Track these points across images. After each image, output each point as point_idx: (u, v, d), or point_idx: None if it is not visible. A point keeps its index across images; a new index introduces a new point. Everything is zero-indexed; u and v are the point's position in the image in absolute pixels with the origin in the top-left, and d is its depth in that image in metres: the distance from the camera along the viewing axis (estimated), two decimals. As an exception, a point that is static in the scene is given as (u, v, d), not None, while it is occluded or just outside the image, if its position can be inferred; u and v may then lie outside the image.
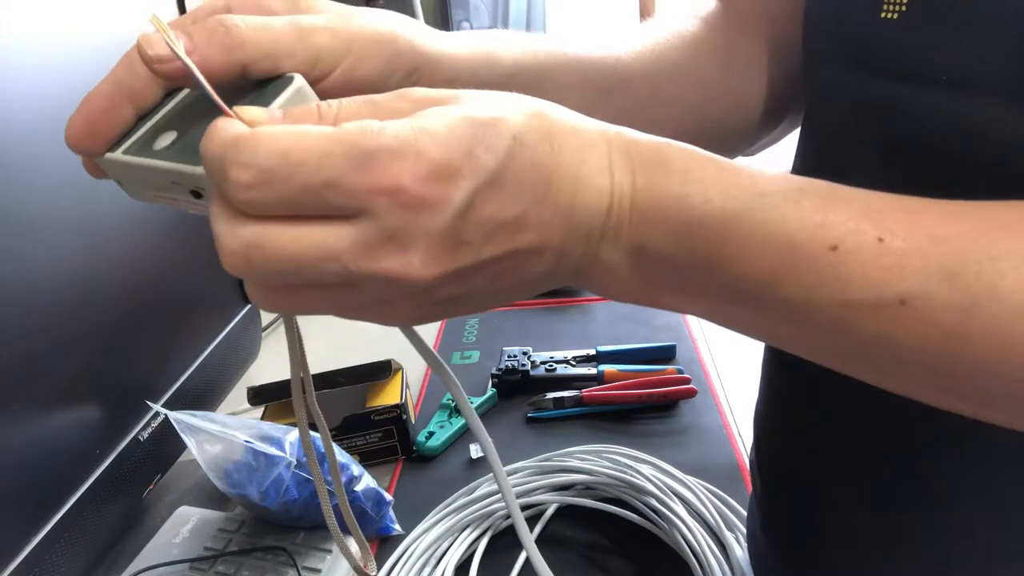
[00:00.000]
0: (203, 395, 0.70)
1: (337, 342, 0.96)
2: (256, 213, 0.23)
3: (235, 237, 0.23)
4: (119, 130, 0.28)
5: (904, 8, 0.30)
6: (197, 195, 0.27)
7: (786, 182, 0.27)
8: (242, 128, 0.24)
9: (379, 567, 0.57)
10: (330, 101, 0.26)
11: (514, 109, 0.26)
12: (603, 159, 0.27)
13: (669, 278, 0.28)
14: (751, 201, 0.26)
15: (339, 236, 0.23)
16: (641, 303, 0.30)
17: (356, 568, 0.33)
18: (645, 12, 2.33)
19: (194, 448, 0.55)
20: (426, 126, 0.24)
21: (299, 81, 0.27)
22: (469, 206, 0.24)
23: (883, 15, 0.31)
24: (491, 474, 0.64)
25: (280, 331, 0.99)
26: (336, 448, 0.58)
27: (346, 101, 0.26)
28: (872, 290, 0.25)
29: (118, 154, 0.28)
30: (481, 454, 0.68)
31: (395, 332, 0.31)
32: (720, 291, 0.28)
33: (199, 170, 0.25)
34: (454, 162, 0.24)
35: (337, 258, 0.23)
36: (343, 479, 0.57)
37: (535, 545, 0.29)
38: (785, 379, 0.44)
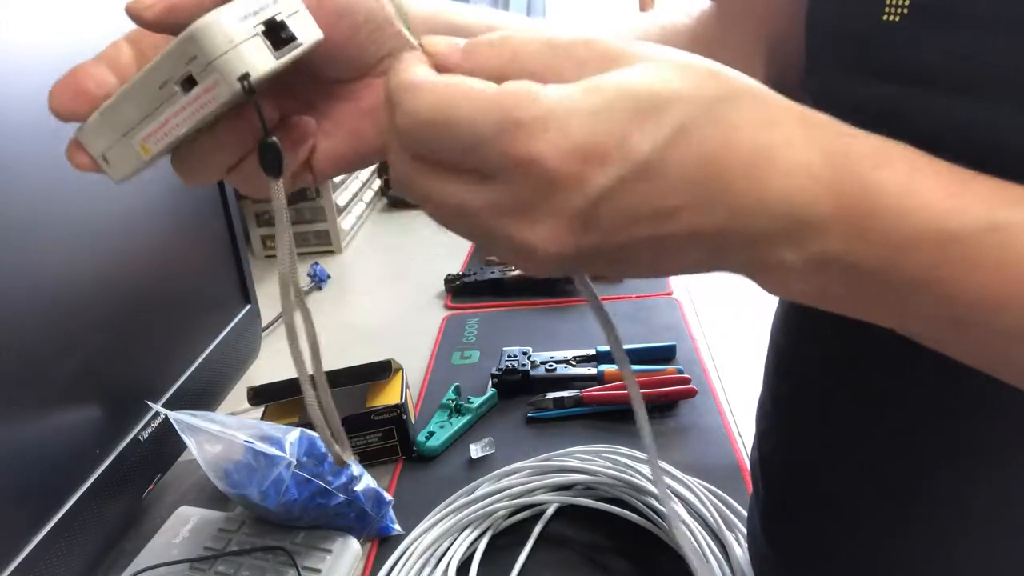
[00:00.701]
0: (203, 395, 0.70)
1: (337, 342, 0.96)
2: (411, 151, 0.25)
3: (398, 164, 0.26)
4: (103, 93, 0.27)
5: (906, 11, 0.30)
6: (190, 84, 0.26)
7: (1009, 195, 0.24)
8: (416, 73, 0.24)
9: (379, 567, 0.57)
10: (512, 35, 0.25)
11: (694, 87, 0.23)
12: (798, 158, 0.24)
13: (858, 291, 0.25)
14: (978, 221, 0.23)
15: (476, 195, 0.24)
16: (806, 303, 0.27)
17: (336, 457, 0.34)
18: (644, 8, 2.33)
19: (194, 448, 0.55)
20: (583, 101, 0.23)
21: None
22: (610, 192, 0.23)
23: (885, 18, 0.31)
24: (492, 474, 0.64)
25: (280, 331, 0.99)
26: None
27: (527, 39, 0.25)
28: None
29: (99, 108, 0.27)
30: (481, 454, 0.68)
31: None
32: (917, 311, 0.25)
33: (188, 35, 0.25)
34: (603, 145, 0.23)
35: (473, 215, 0.25)
36: (343, 479, 0.57)
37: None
38: (790, 383, 0.44)
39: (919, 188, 0.24)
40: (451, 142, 0.24)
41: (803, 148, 0.24)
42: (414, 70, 0.25)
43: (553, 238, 0.24)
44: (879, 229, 0.23)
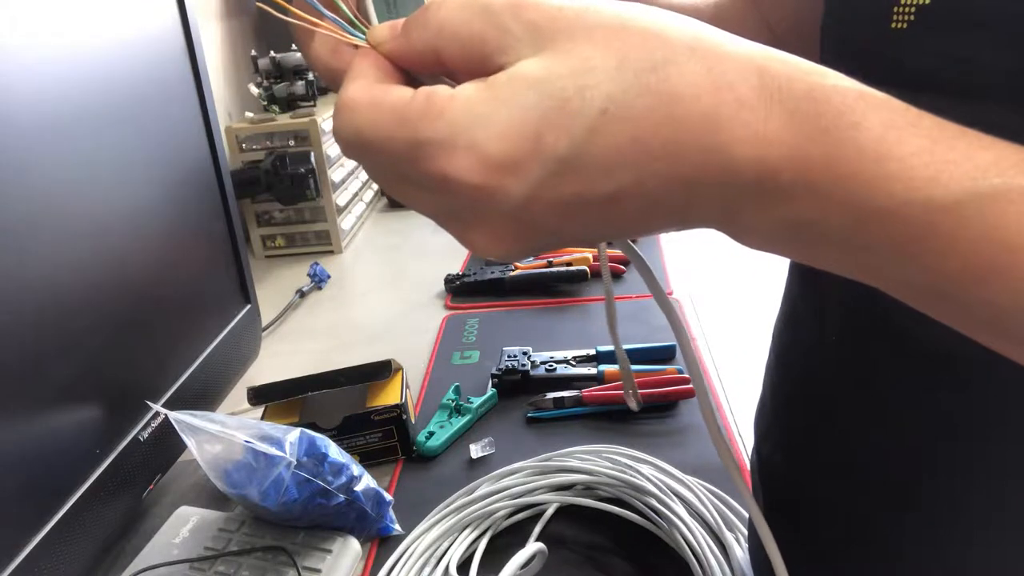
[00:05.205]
0: (203, 395, 0.70)
1: (337, 342, 0.96)
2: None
3: (365, 169, 0.26)
4: None
5: (913, 18, 0.30)
6: None
7: (1002, 160, 0.22)
8: (347, 90, 0.25)
9: (379, 567, 0.57)
10: (439, 5, 0.24)
11: (617, 62, 0.22)
12: (753, 123, 0.22)
13: (831, 254, 0.24)
14: (964, 190, 0.21)
15: (422, 201, 0.25)
16: (784, 257, 0.26)
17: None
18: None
19: (194, 448, 0.55)
20: (488, 106, 0.22)
21: None
22: (534, 196, 0.23)
23: (893, 25, 0.31)
24: (492, 474, 0.64)
25: (280, 331, 0.99)
26: (336, 448, 0.58)
27: (457, 7, 0.24)
28: None
29: None
30: (481, 454, 0.68)
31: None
32: (900, 280, 0.24)
33: None
34: (514, 153, 0.22)
35: (429, 215, 0.26)
36: (343, 479, 0.57)
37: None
38: (790, 385, 0.44)
39: (898, 152, 0.21)
40: (376, 160, 0.25)
41: (760, 110, 0.22)
42: (349, 86, 0.25)
43: (491, 242, 0.25)
44: (850, 198, 0.22)
